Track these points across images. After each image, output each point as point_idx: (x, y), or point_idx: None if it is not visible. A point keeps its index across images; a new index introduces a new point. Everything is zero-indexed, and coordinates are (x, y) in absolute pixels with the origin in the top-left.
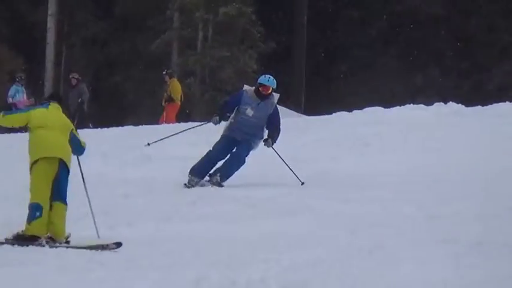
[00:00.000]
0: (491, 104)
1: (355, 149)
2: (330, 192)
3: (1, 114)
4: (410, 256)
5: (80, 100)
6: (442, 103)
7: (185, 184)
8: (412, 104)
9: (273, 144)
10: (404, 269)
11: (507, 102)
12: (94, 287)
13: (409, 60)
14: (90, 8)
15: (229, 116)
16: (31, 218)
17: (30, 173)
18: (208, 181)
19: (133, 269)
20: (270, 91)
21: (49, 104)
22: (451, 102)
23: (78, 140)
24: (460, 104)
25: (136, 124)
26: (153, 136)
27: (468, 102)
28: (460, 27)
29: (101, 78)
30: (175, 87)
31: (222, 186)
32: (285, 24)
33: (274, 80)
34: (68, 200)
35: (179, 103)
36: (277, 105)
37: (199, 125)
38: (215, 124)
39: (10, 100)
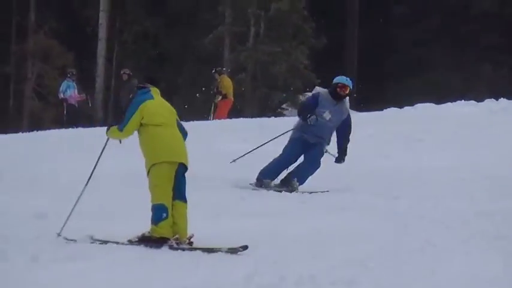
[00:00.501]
0: None
1: (407, 145)
2: (380, 188)
3: (117, 129)
4: (461, 253)
5: (131, 96)
6: (493, 99)
7: (252, 184)
8: (463, 101)
9: (344, 160)
10: (455, 266)
11: None
12: (143, 284)
13: (460, 56)
14: (143, 3)
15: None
16: (157, 219)
17: (150, 174)
18: (283, 186)
19: (183, 265)
20: (348, 91)
21: (150, 91)
22: (502, 98)
23: (182, 126)
24: (511, 101)
25: (187, 120)
26: (203, 133)
27: None
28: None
29: (152, 73)
30: (226, 83)
31: (297, 191)
32: (337, 20)
33: (351, 81)
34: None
35: (232, 99)
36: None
37: (286, 133)
38: (313, 122)
39: (61, 96)
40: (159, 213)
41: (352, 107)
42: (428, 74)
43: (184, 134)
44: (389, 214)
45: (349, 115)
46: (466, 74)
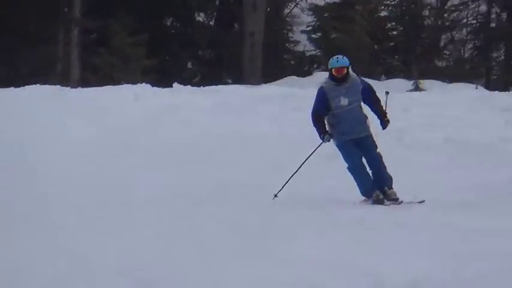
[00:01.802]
0: None
1: None
2: None
3: None
4: None
5: None
6: None
7: (373, 201)
8: None
9: (388, 121)
10: None
11: None
12: None
13: None
14: None
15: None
16: None
17: None
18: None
19: None
20: (344, 71)
21: None
22: None
23: None
24: None
25: None
26: None
27: None
28: None
29: None
30: None
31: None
32: None
33: (345, 58)
34: None
35: None
36: None
37: (314, 151)
38: (329, 141)
39: None
40: None
41: None
42: None
43: None
44: None
45: (363, 81)
46: None
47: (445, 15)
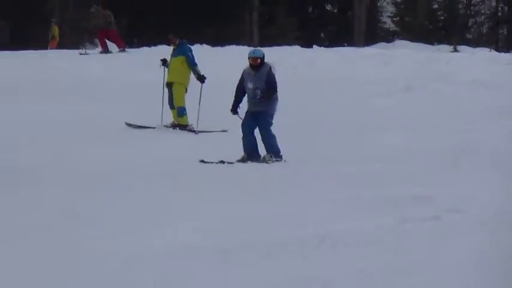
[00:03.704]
0: None
1: None
2: None
3: None
4: None
5: None
6: None
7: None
8: None
9: (262, 96)
10: None
11: None
12: None
13: None
14: None
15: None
16: None
17: None
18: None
19: None
20: (258, 61)
21: None
22: None
23: None
24: None
25: None
26: None
27: None
28: None
29: None
30: None
31: (277, 160)
32: None
33: (260, 51)
34: None
35: None
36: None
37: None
38: (233, 115)
39: None
40: None
41: None
42: None
43: None
44: None
45: (270, 74)
46: None
47: (471, 7)
